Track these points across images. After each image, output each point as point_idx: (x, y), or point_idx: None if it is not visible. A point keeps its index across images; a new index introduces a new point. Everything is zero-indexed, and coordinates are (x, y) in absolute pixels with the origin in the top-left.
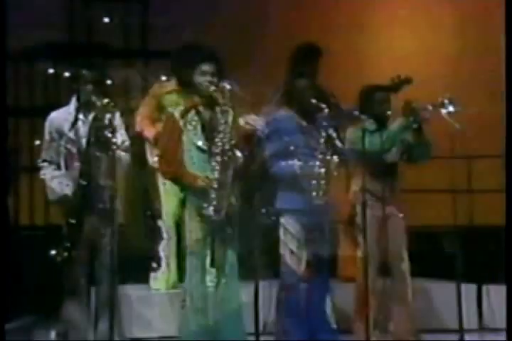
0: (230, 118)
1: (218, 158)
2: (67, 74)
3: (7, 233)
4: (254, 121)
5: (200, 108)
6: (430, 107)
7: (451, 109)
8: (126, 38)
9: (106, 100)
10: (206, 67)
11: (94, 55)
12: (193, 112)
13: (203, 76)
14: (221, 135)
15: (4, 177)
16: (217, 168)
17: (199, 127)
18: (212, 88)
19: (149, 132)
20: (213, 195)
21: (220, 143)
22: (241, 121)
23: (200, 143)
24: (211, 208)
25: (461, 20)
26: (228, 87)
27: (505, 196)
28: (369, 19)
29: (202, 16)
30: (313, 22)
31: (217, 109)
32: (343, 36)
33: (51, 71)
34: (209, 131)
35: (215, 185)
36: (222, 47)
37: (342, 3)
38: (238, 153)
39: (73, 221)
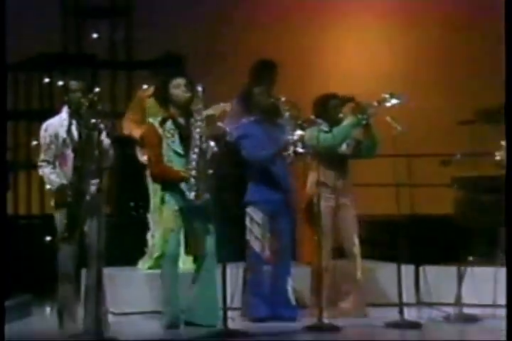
0: (204, 125)
1: (194, 162)
2: (59, 83)
3: (6, 221)
4: (223, 124)
5: (177, 117)
6: (376, 103)
7: (393, 101)
8: (112, 50)
9: (93, 96)
10: (179, 81)
11: (84, 66)
12: (170, 122)
13: (177, 89)
14: (196, 141)
15: (3, 173)
16: (194, 168)
17: (176, 135)
18: (187, 96)
19: (137, 133)
20: (193, 182)
21: (196, 148)
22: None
23: (178, 149)
24: (193, 193)
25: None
26: (201, 89)
27: (437, 189)
28: (322, 38)
29: (178, 32)
30: (272, 40)
31: (192, 118)
32: (298, 53)
33: (46, 80)
34: (185, 137)
35: (194, 174)
36: (194, 59)
37: (297, 24)
38: (211, 143)
39: (66, 210)
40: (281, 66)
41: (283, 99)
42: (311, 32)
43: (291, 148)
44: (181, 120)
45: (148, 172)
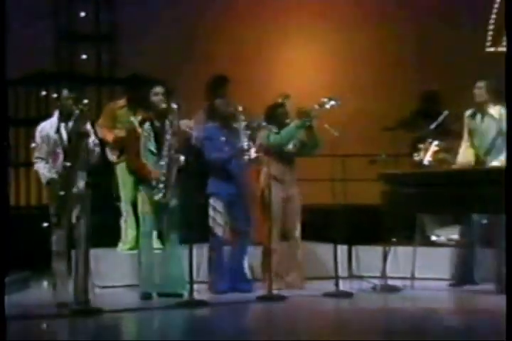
0: (175, 129)
1: (165, 159)
2: (54, 94)
3: (8, 210)
4: (189, 128)
5: (154, 120)
6: (317, 106)
7: (332, 103)
8: (97, 68)
9: (82, 106)
10: (157, 89)
11: (74, 81)
12: (148, 123)
13: (156, 96)
14: (168, 142)
15: (4, 171)
16: (165, 166)
17: (152, 135)
18: (163, 105)
19: (109, 137)
20: (161, 186)
21: (166, 148)
22: (182, 127)
23: (152, 147)
24: (160, 195)
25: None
26: (175, 106)
27: (367, 183)
28: (270, 49)
29: (152, 53)
30: (227, 55)
31: (166, 121)
32: (250, 66)
33: (43, 93)
34: (159, 138)
35: (163, 179)
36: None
37: (250, 40)
38: (181, 157)
39: (57, 199)
40: (243, 77)
41: (240, 108)
42: (260, 45)
43: (245, 154)
44: (157, 123)
45: (119, 168)
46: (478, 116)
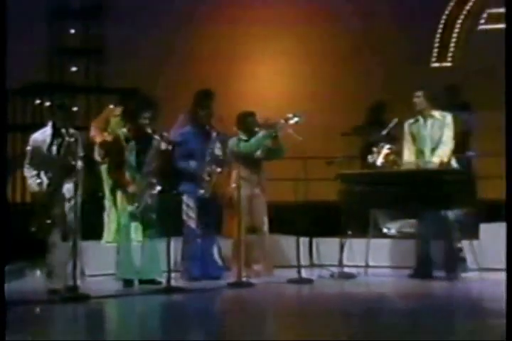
0: (156, 146)
1: (144, 179)
2: (47, 103)
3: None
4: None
5: (139, 140)
6: (282, 121)
7: (295, 119)
8: (87, 80)
9: (72, 131)
10: (146, 114)
11: (65, 92)
12: (133, 142)
13: (144, 120)
14: (148, 156)
15: (3, 173)
16: (141, 185)
17: (134, 152)
18: (148, 131)
19: (98, 138)
20: (135, 199)
21: (145, 169)
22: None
23: (133, 163)
24: (135, 205)
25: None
26: (158, 137)
27: (326, 182)
28: (243, 67)
29: (135, 66)
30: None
31: (150, 145)
32: (225, 79)
33: (37, 102)
34: (141, 157)
35: (138, 195)
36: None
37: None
38: (158, 187)
39: (41, 207)
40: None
41: (217, 118)
42: (235, 62)
43: (216, 161)
44: (141, 144)
45: (104, 168)
46: (421, 122)
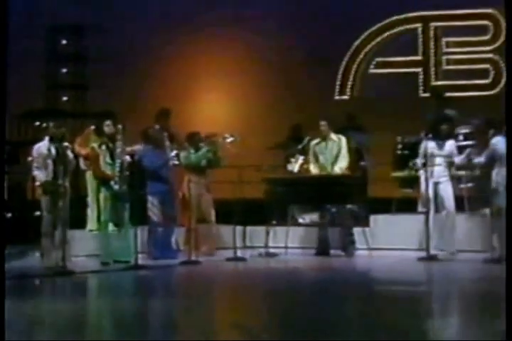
0: (123, 148)
1: (118, 165)
2: (44, 124)
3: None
4: (138, 148)
5: (108, 143)
6: (221, 140)
7: (231, 139)
8: (73, 107)
9: (64, 143)
10: (108, 122)
11: (58, 116)
12: (104, 146)
13: (107, 127)
14: (118, 156)
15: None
16: (117, 170)
17: (108, 153)
18: (112, 131)
19: (83, 152)
20: (117, 180)
21: (118, 161)
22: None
23: (108, 160)
24: (117, 186)
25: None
26: (120, 126)
27: (256, 184)
28: (195, 90)
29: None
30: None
31: (116, 144)
32: (181, 104)
33: (36, 123)
34: (113, 154)
35: (117, 178)
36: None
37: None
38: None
39: (47, 195)
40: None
41: (165, 134)
42: (190, 89)
43: (171, 162)
44: (110, 145)
45: (88, 174)
46: (324, 143)
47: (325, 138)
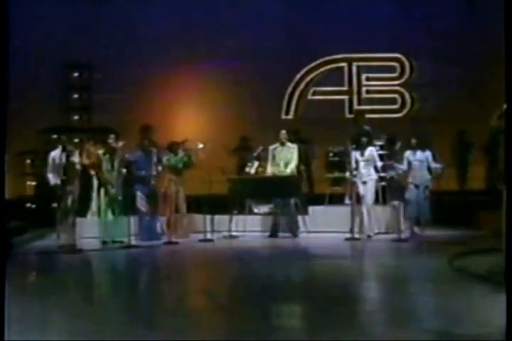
0: (120, 156)
1: (115, 173)
2: (57, 137)
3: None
4: (129, 156)
5: (110, 154)
6: (193, 146)
7: (201, 146)
8: (82, 124)
9: (74, 152)
10: (111, 136)
11: (70, 131)
12: (107, 155)
13: (111, 139)
14: (116, 163)
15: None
16: (115, 177)
17: (109, 162)
18: (114, 145)
19: (87, 161)
20: (113, 185)
21: (116, 166)
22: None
23: (108, 167)
24: (113, 190)
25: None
26: (119, 147)
27: (223, 183)
28: (178, 110)
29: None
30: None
31: (116, 154)
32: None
33: (53, 136)
34: (112, 162)
35: (114, 183)
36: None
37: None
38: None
39: (58, 194)
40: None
41: (154, 150)
42: (173, 106)
43: (155, 167)
44: (112, 155)
45: (93, 177)
46: (280, 148)
47: (283, 144)
